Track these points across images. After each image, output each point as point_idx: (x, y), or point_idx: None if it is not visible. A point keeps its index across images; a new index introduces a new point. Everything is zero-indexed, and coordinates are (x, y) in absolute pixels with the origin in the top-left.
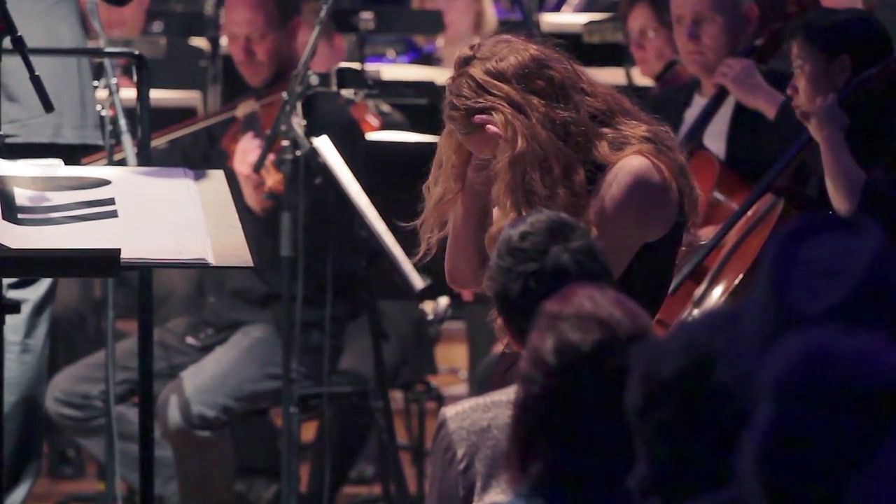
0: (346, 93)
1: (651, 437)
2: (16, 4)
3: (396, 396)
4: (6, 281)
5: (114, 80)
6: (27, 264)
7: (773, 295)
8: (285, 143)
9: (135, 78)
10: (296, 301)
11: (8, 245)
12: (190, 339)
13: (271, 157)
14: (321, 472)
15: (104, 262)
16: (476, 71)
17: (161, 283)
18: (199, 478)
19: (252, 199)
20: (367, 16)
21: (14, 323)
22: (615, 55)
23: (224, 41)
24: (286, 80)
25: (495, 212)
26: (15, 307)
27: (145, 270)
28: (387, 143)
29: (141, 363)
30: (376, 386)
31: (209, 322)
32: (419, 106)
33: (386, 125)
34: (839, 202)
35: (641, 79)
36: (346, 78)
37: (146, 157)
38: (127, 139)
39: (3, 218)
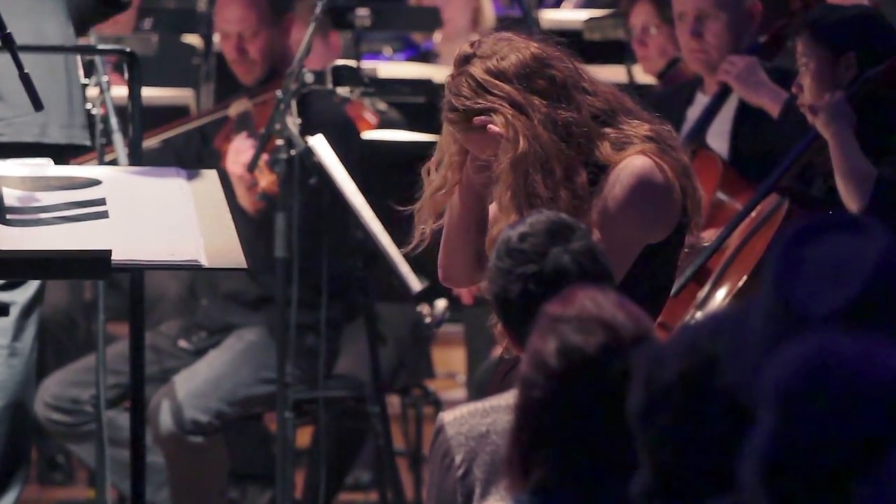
0: (342, 91)
1: (653, 442)
2: (2, 0)
3: (393, 401)
4: None
5: (105, 78)
6: (16, 266)
7: (777, 297)
8: (280, 142)
9: (126, 76)
10: (290, 304)
11: None
12: (182, 343)
13: (265, 157)
14: (316, 479)
15: (95, 263)
16: (476, 70)
17: (153, 286)
18: (191, 484)
19: (245, 199)
20: (363, 12)
21: (1, 326)
22: (616, 52)
23: (217, 38)
24: (280, 78)
25: (492, 208)
26: (3, 310)
27: (137, 272)
28: (383, 143)
29: (132, 367)
30: (373, 390)
31: (202, 325)
32: (416, 104)
33: (383, 124)
34: (850, 200)
35: (643, 76)
36: (342, 76)
37: (138, 157)
38: (118, 138)
39: None
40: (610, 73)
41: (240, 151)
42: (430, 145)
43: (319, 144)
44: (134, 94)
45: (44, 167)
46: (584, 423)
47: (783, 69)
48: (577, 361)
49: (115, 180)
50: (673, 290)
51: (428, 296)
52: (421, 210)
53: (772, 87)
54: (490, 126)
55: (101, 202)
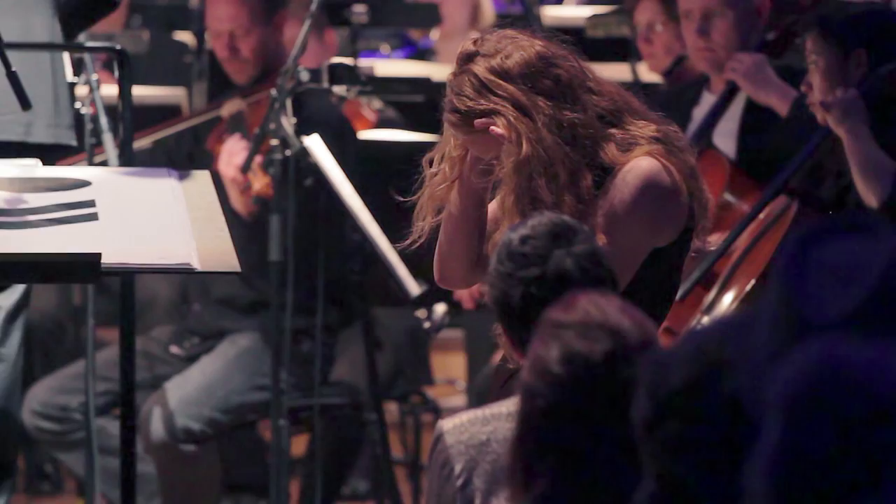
0: (339, 89)
1: (658, 452)
2: None
3: (391, 408)
4: None
5: (94, 77)
6: (3, 269)
7: (784, 301)
8: (274, 142)
9: (116, 74)
10: (285, 308)
11: None
12: (174, 349)
13: (258, 159)
14: (312, 489)
15: (84, 267)
16: (479, 69)
17: (144, 290)
18: (183, 494)
19: (238, 202)
20: (359, 9)
21: None
22: (620, 50)
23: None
24: (273, 77)
25: (491, 207)
26: None
27: (127, 276)
28: (381, 143)
29: (122, 374)
30: (370, 397)
31: (194, 330)
32: (415, 103)
33: (380, 123)
34: (870, 194)
35: (648, 75)
36: (338, 74)
37: (128, 158)
38: (108, 138)
39: None
40: (614, 72)
41: (232, 153)
42: (429, 145)
43: (315, 145)
44: (124, 92)
45: (32, 168)
46: (588, 433)
47: (792, 67)
48: (581, 369)
49: (105, 181)
50: (679, 294)
51: (427, 300)
52: (420, 204)
53: (780, 86)
54: (493, 129)
55: (91, 204)
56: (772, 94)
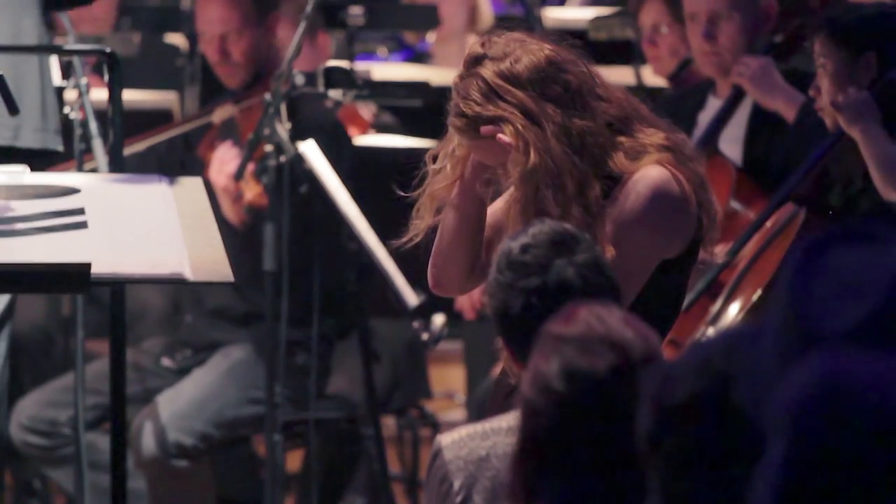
0: (335, 94)
1: (663, 467)
2: None
3: (388, 423)
4: None
5: (84, 80)
6: None
7: (791, 312)
8: (268, 148)
9: (106, 78)
10: (280, 319)
11: None
12: (166, 361)
13: (251, 167)
14: None
15: (73, 276)
16: (488, 72)
17: (134, 300)
18: None
19: (230, 212)
20: (356, 11)
21: None
22: (623, 53)
23: None
24: (266, 81)
25: (490, 209)
26: None
27: (117, 286)
28: (378, 149)
29: (113, 387)
30: (367, 411)
31: (186, 342)
32: (413, 108)
33: (377, 128)
34: (890, 191)
35: (652, 78)
36: (334, 78)
37: (118, 164)
38: (98, 144)
39: None
40: (617, 75)
41: (224, 161)
42: (427, 152)
43: (310, 151)
44: (114, 97)
45: (20, 175)
46: (591, 450)
47: (800, 70)
48: (583, 386)
49: (95, 189)
50: (683, 305)
51: (425, 311)
52: (419, 202)
53: (787, 90)
54: (500, 136)
55: (80, 212)
56: (779, 99)
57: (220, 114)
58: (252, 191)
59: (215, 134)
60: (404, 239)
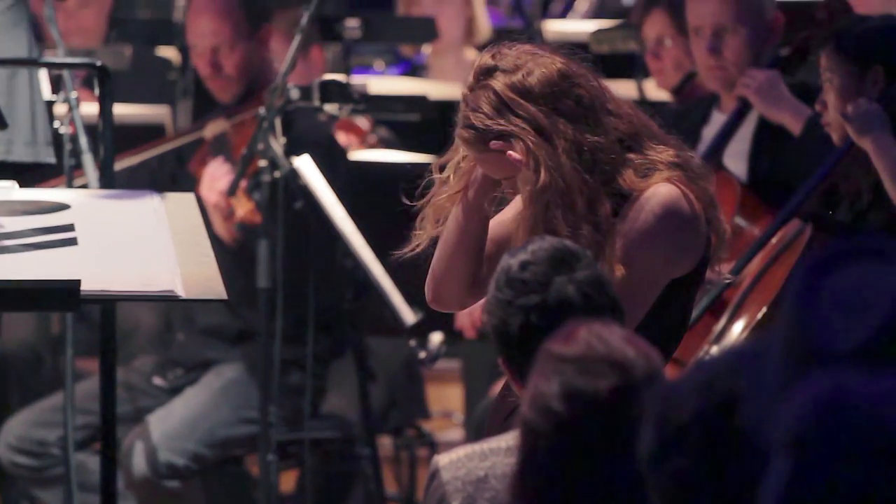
0: (330, 108)
1: (666, 489)
2: None
3: (385, 442)
4: None
5: (74, 94)
6: None
7: (796, 331)
8: (262, 163)
9: (97, 91)
10: (274, 338)
11: None
12: (157, 380)
13: (243, 183)
14: None
15: (63, 294)
16: (499, 85)
17: (125, 318)
18: None
19: (222, 229)
20: (352, 23)
21: None
22: (625, 66)
23: None
24: (258, 95)
25: (491, 223)
26: None
27: (108, 304)
28: (374, 164)
29: (103, 406)
30: (363, 431)
31: (178, 361)
32: (410, 122)
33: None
34: None
35: (656, 92)
36: (329, 92)
37: (109, 179)
38: (88, 159)
39: None
40: (619, 89)
41: (215, 177)
42: (424, 167)
43: (305, 166)
44: (105, 111)
45: (8, 190)
46: (593, 472)
47: (806, 84)
48: (584, 407)
49: (85, 205)
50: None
51: (422, 329)
52: (424, 212)
53: (793, 104)
54: (510, 153)
55: (70, 228)
56: (785, 113)
57: (212, 129)
58: (243, 207)
59: (207, 149)
60: (406, 250)
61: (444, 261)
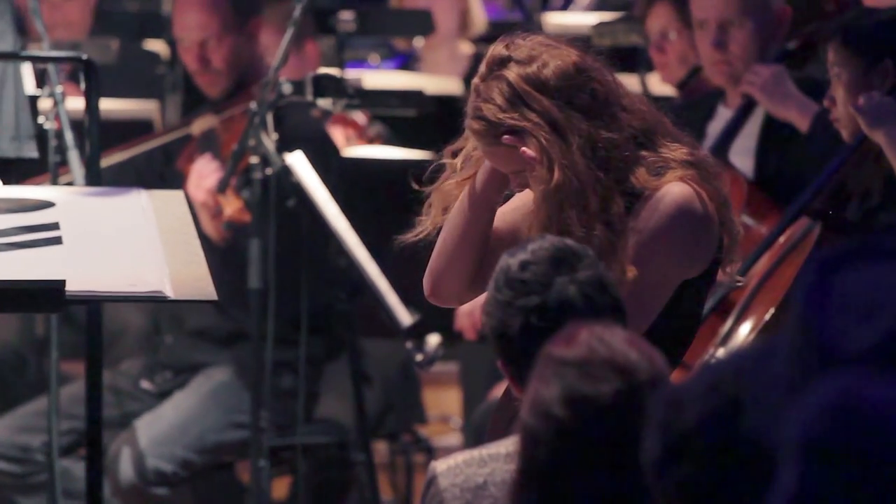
0: (324, 103)
1: (672, 495)
2: None
3: (380, 448)
4: None
5: (59, 89)
6: None
7: (803, 333)
8: (254, 160)
9: (83, 86)
10: (266, 339)
11: None
12: (145, 384)
13: (232, 180)
14: None
15: (47, 295)
16: (513, 75)
17: (112, 320)
18: None
19: (210, 227)
20: (347, 16)
21: None
22: (628, 60)
23: None
24: (248, 89)
25: (498, 217)
26: None
27: (94, 305)
28: (368, 160)
29: (89, 411)
30: (357, 436)
31: (166, 364)
32: (406, 118)
33: (371, 139)
34: None
35: (660, 86)
36: (323, 86)
37: (95, 177)
38: (74, 155)
39: None
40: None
41: (202, 175)
42: (420, 163)
43: (298, 162)
44: (91, 106)
45: None
46: (596, 479)
47: (814, 78)
48: (586, 412)
49: (70, 203)
50: None
51: (419, 331)
52: (430, 199)
53: (800, 99)
54: (524, 150)
55: (55, 227)
56: (792, 109)
57: (200, 125)
58: (232, 206)
59: (195, 146)
60: (410, 236)
61: (447, 254)
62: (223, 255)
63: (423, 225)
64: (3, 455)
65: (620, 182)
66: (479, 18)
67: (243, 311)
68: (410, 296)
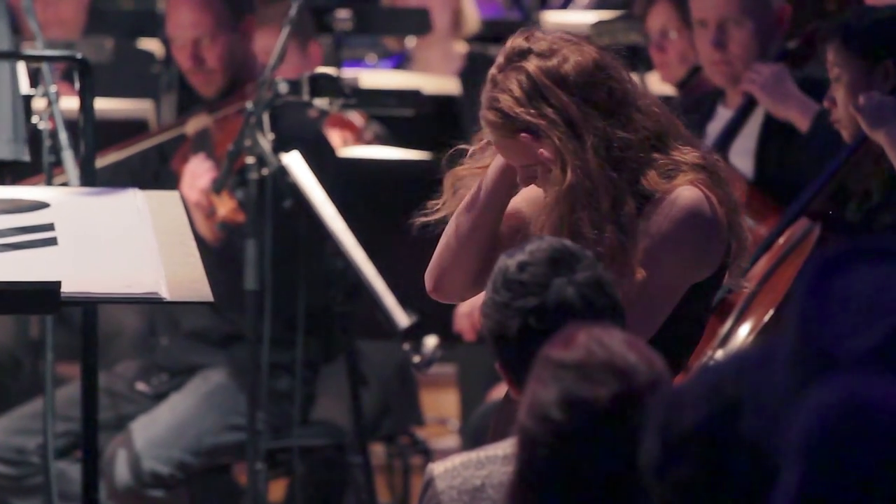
0: (321, 102)
1: (671, 497)
2: None
3: (377, 450)
4: None
5: (53, 89)
6: None
7: (804, 334)
8: (249, 160)
9: (77, 85)
10: (262, 341)
11: None
12: (140, 386)
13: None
14: None
15: (42, 296)
16: (533, 68)
17: (107, 321)
18: None
19: (204, 228)
20: (343, 14)
21: None
22: (627, 59)
23: None
24: (242, 89)
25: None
26: None
27: (89, 306)
28: (366, 161)
29: (84, 413)
30: (354, 438)
31: (162, 366)
32: (403, 118)
33: (368, 139)
34: None
35: (659, 86)
36: (320, 86)
37: (90, 177)
38: (68, 156)
39: None
40: None
41: (196, 175)
42: (417, 164)
43: (294, 163)
44: (86, 106)
45: None
46: (594, 482)
47: (815, 78)
48: (583, 414)
49: (65, 203)
50: None
51: (416, 332)
52: (448, 179)
53: (801, 99)
54: (541, 152)
55: (50, 227)
56: (792, 108)
57: (194, 124)
58: (225, 206)
59: (189, 146)
60: (429, 215)
61: (454, 250)
62: (217, 255)
63: (441, 208)
64: None
65: (631, 183)
66: (473, 18)
67: (240, 312)
68: (408, 297)
